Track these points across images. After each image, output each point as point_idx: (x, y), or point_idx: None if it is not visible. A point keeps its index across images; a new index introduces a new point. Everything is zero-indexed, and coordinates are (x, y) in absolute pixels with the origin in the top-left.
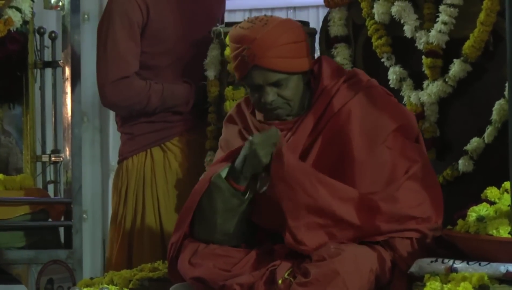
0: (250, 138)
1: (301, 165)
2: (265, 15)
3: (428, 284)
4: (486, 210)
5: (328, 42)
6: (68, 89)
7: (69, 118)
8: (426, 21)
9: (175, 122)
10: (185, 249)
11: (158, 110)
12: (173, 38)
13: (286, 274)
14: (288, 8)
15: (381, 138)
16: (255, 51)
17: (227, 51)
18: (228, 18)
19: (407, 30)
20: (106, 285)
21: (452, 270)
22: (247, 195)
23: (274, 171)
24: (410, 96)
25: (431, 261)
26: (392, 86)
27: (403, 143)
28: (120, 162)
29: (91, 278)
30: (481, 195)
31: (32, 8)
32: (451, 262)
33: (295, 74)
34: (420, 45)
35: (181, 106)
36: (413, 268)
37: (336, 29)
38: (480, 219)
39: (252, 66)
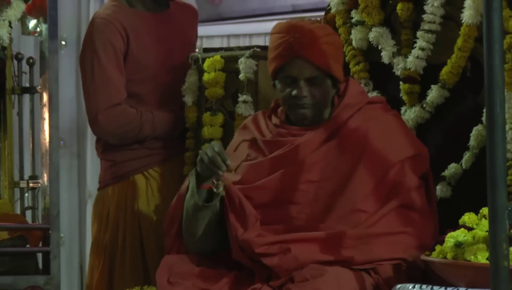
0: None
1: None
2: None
3: None
4: (464, 236)
5: None
6: (46, 115)
7: (47, 144)
8: (403, 47)
9: (157, 149)
10: (163, 265)
11: (149, 138)
12: (153, 65)
13: None
14: (266, 34)
15: (391, 162)
16: (303, 41)
17: (205, 77)
18: (206, 44)
19: (385, 56)
20: None
21: None
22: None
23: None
24: None
25: (410, 287)
26: None
27: (407, 174)
28: (101, 188)
29: None
30: (459, 221)
31: (10, 34)
32: (429, 288)
33: (330, 77)
34: (398, 71)
35: (170, 133)
36: None
37: None
38: (458, 244)
39: (295, 56)
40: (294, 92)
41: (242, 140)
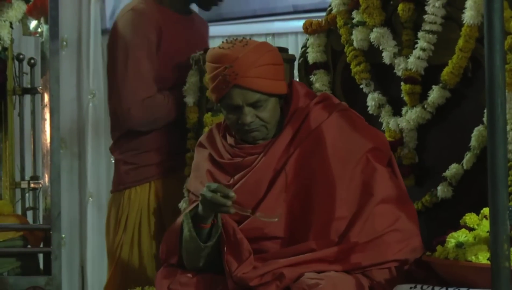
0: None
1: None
2: (243, 38)
3: None
4: (465, 236)
5: (307, 68)
6: (47, 115)
7: (48, 145)
8: (404, 48)
9: (176, 154)
10: (165, 277)
11: (174, 118)
12: (172, 65)
13: None
14: (267, 34)
15: (354, 160)
16: (237, 70)
17: (207, 77)
18: None
19: (386, 57)
20: None
21: None
22: (204, 243)
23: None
24: (389, 123)
25: (410, 288)
26: (371, 112)
27: (376, 168)
28: (118, 191)
29: None
30: (460, 221)
31: (11, 34)
32: (430, 288)
33: (273, 96)
34: (399, 71)
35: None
36: None
37: (315, 56)
38: (459, 245)
39: (233, 85)
40: (240, 121)
41: (205, 161)
